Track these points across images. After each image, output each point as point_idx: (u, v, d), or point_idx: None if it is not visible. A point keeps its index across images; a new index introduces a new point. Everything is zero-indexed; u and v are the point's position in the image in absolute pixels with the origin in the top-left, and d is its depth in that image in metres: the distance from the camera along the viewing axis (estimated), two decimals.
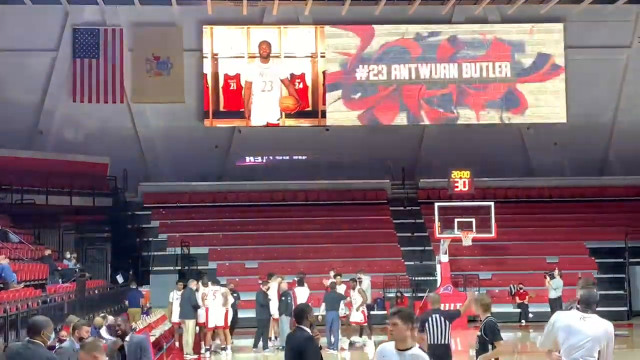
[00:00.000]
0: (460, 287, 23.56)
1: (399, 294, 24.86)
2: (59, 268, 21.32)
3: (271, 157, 31.09)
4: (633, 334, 21.48)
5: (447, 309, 13.14)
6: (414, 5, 29.25)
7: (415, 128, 31.00)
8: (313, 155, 30.46)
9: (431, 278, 24.90)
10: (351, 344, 18.79)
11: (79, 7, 29.37)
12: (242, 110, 30.27)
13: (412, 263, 26.29)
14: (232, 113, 30.39)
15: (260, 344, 17.98)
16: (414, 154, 31.11)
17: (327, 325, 17.84)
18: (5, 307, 13.55)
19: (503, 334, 8.47)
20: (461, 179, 24.76)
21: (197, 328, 17.69)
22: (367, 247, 26.64)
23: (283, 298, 17.74)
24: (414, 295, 24.79)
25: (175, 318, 17.90)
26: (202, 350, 17.59)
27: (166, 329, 19.33)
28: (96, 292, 20.56)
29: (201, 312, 17.48)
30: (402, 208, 29.15)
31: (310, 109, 30.62)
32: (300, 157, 30.99)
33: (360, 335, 19.64)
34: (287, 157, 31.09)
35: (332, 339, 17.82)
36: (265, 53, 30.28)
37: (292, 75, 30.54)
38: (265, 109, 30.31)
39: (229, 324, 18.04)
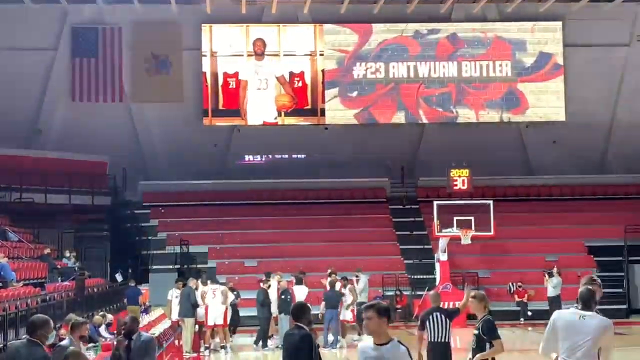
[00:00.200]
0: (459, 285, 23.57)
1: (398, 293, 24.89)
2: (58, 267, 21.32)
3: (270, 156, 31.09)
4: (632, 332, 21.46)
5: (446, 307, 13.15)
6: (412, 4, 29.25)
7: (414, 127, 31.00)
8: (312, 154, 30.47)
9: (430, 276, 24.91)
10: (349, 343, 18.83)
11: (78, 7, 29.36)
12: (242, 108, 30.30)
13: (411, 261, 26.31)
14: (231, 112, 30.40)
15: (260, 342, 17.99)
16: (413, 152, 31.12)
17: (325, 323, 17.85)
18: (5, 306, 13.55)
19: (501, 332, 8.46)
20: (460, 178, 24.76)
21: (197, 326, 17.70)
22: (366, 245, 26.65)
23: (282, 296, 17.76)
24: (413, 293, 24.82)
25: (175, 316, 17.91)
26: (202, 349, 17.60)
27: (165, 327, 19.34)
28: (95, 290, 20.56)
29: (200, 310, 17.50)
30: (401, 206, 29.17)
31: (309, 107, 30.63)
32: (299, 156, 30.99)
33: (359, 334, 19.67)
34: (287, 156, 31.09)
35: (331, 338, 17.83)
36: (259, 50, 30.27)
37: (291, 73, 30.54)
38: (262, 107, 30.32)
39: (228, 322, 18.06)
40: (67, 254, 23.19)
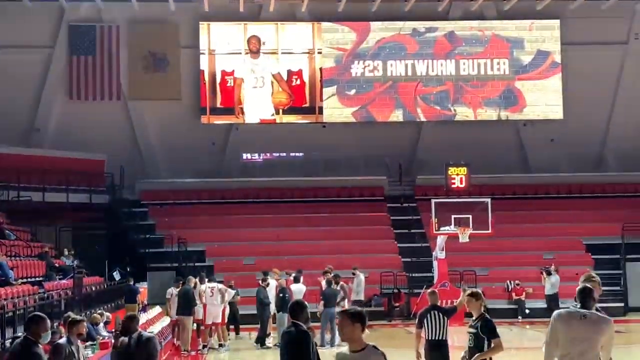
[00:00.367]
0: (457, 283, 23.60)
1: (395, 291, 24.90)
2: (57, 265, 21.31)
3: (268, 154, 31.09)
4: (629, 329, 21.49)
5: (444, 305, 13.16)
6: (410, 2, 29.25)
7: (412, 125, 31.03)
8: (310, 152, 30.47)
9: (428, 274, 24.91)
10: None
11: (75, 4, 29.37)
12: (240, 106, 30.31)
13: (409, 259, 26.32)
14: (229, 110, 30.42)
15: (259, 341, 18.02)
16: (411, 150, 31.13)
17: (322, 322, 17.82)
18: (3, 304, 13.55)
19: (498, 330, 8.45)
20: (458, 176, 24.73)
21: (195, 325, 17.70)
22: (364, 243, 26.66)
23: (281, 295, 17.76)
24: (410, 291, 24.83)
25: (173, 315, 17.91)
26: (200, 347, 17.60)
27: (164, 326, 19.34)
28: (93, 289, 20.56)
29: (198, 309, 17.49)
30: (399, 204, 29.18)
31: (307, 105, 30.64)
32: (297, 154, 30.99)
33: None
34: (284, 154, 31.09)
35: (328, 337, 17.83)
36: (255, 48, 30.26)
37: (289, 71, 30.54)
38: (258, 105, 30.32)
39: (226, 320, 18.07)
40: (65, 253, 23.18)
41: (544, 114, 30.91)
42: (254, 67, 30.34)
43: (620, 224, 26.09)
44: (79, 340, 8.30)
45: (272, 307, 18.21)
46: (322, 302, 18.05)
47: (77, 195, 27.57)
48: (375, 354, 5.27)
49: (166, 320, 18.24)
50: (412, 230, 27.75)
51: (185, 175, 29.33)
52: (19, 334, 7.09)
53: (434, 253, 24.61)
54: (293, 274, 19.40)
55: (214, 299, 17.55)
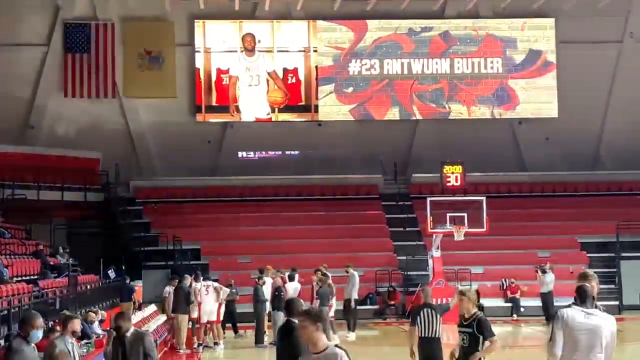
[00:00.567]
0: (452, 282, 23.63)
1: (391, 289, 24.93)
2: (51, 263, 21.26)
3: (264, 152, 31.07)
4: (624, 328, 21.54)
5: (438, 303, 13.18)
6: (405, 0, 29.25)
7: (407, 123, 31.05)
8: (305, 151, 30.46)
9: (423, 273, 24.94)
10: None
11: (70, 2, 29.30)
12: (235, 104, 30.29)
13: (404, 258, 26.33)
14: (224, 108, 30.39)
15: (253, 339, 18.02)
16: (406, 149, 31.14)
17: None
18: None
19: (493, 329, 8.46)
20: (453, 174, 24.74)
21: (190, 323, 17.69)
22: (360, 241, 26.68)
23: (276, 293, 17.76)
24: (406, 289, 24.86)
25: (170, 313, 17.90)
26: (195, 345, 17.59)
27: (158, 324, 19.32)
28: (88, 287, 20.52)
29: (194, 307, 17.48)
30: (394, 203, 29.18)
31: (303, 103, 30.64)
32: (292, 152, 30.98)
33: (353, 330, 19.74)
34: (280, 152, 31.08)
35: None
36: (250, 46, 30.24)
37: (284, 69, 30.54)
38: (254, 103, 30.30)
39: (221, 318, 18.06)
40: (60, 251, 23.12)
41: (537, 112, 31.01)
42: (249, 65, 30.32)
43: (615, 222, 26.15)
44: (73, 338, 8.27)
45: (268, 305, 18.20)
46: (318, 301, 18.03)
47: (72, 193, 27.52)
48: (336, 352, 5.16)
49: (161, 319, 18.23)
50: (408, 229, 27.76)
51: (180, 173, 29.29)
52: (14, 332, 7.06)
53: (429, 251, 24.64)
54: (287, 273, 19.40)
55: (209, 297, 17.53)
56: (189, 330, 17.59)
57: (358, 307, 20.91)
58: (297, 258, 24.18)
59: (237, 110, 30.37)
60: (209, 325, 17.84)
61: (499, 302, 24.50)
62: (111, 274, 23.74)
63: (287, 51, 30.55)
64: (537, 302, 22.94)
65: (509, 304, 24.57)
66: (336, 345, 5.21)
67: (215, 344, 17.78)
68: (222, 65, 30.40)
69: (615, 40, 30.92)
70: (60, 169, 27.01)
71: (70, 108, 29.38)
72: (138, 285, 23.24)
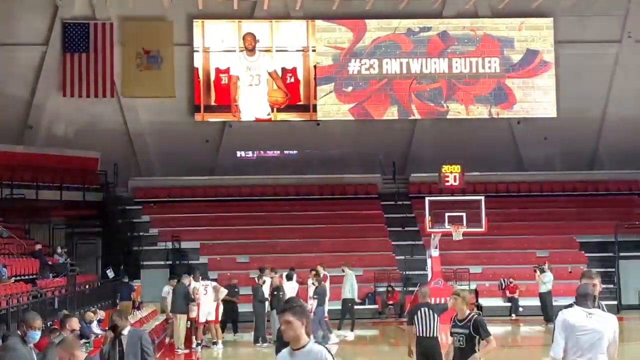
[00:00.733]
0: (451, 281, 23.65)
1: (389, 288, 24.93)
2: (50, 263, 21.27)
3: (262, 152, 31.07)
4: (623, 327, 21.59)
5: (436, 302, 13.23)
6: (404, 0, 29.25)
7: (406, 123, 31.06)
8: (304, 150, 30.47)
9: (422, 272, 24.93)
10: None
11: (68, 1, 29.26)
12: (235, 104, 30.29)
13: (402, 257, 26.33)
14: (223, 107, 30.37)
15: (260, 340, 18.00)
16: (405, 148, 31.16)
17: (315, 320, 17.80)
18: None
19: (491, 328, 8.47)
20: (452, 174, 24.76)
21: (189, 322, 17.68)
22: (358, 241, 26.68)
23: (275, 293, 17.76)
24: (404, 289, 24.86)
25: (168, 312, 17.90)
26: (194, 345, 17.59)
27: (157, 324, 19.34)
28: (87, 287, 20.52)
29: (192, 306, 17.47)
30: (393, 202, 29.18)
31: (302, 102, 30.65)
32: (291, 152, 30.98)
33: (352, 329, 19.76)
34: (278, 152, 31.08)
35: (321, 334, 17.83)
36: (250, 46, 30.22)
37: (283, 69, 30.54)
38: (254, 103, 30.29)
39: (219, 318, 18.06)
40: (59, 250, 23.13)
41: (534, 111, 31.05)
42: (250, 64, 30.31)
43: (614, 222, 26.15)
44: (72, 336, 8.27)
45: (267, 305, 18.21)
46: (316, 301, 18.04)
47: (71, 192, 27.50)
48: (316, 348, 5.08)
49: (160, 318, 18.24)
50: (406, 228, 27.77)
51: (178, 173, 29.29)
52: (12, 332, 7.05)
53: (427, 251, 24.64)
54: (285, 272, 19.41)
55: (207, 296, 17.53)
56: (187, 329, 17.59)
57: (356, 307, 20.87)
58: (295, 257, 24.22)
59: (238, 109, 30.36)
60: (207, 325, 17.82)
61: (497, 302, 24.52)
62: (110, 273, 23.75)
63: (285, 51, 30.55)
64: (535, 302, 22.94)
65: (508, 304, 24.57)
66: (315, 342, 5.12)
67: (214, 343, 17.78)
68: (221, 64, 30.39)
69: (614, 40, 30.93)
70: (59, 168, 27.00)
71: (69, 108, 29.36)
72: (137, 285, 23.25)
